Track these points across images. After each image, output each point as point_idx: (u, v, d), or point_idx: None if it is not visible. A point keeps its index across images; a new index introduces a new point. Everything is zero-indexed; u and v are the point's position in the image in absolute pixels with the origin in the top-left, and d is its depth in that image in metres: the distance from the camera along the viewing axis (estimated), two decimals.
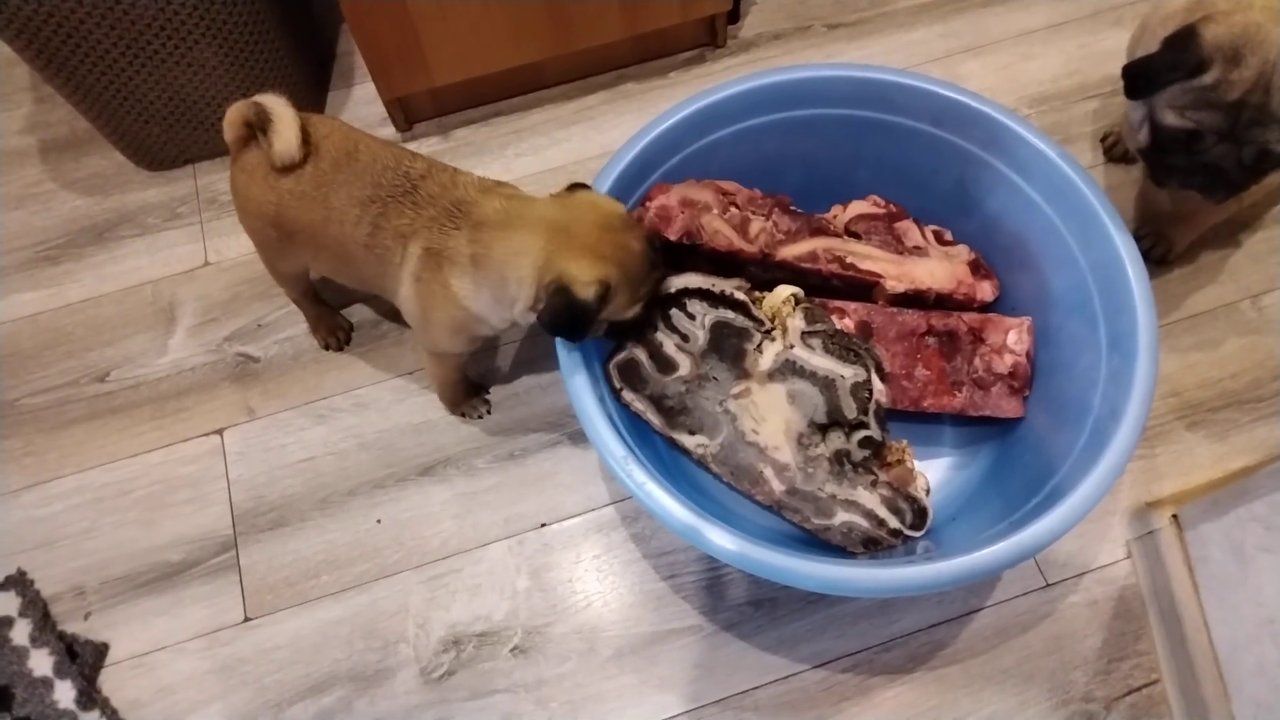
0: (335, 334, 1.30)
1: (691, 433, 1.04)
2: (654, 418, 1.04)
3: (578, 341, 0.96)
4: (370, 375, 1.30)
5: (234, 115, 0.99)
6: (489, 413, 1.26)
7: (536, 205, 0.96)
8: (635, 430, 1.04)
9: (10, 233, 1.44)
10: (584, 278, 0.89)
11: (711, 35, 1.51)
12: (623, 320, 0.99)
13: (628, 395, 1.04)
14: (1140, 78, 0.99)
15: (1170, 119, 0.99)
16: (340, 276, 1.11)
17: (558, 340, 1.00)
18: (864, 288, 1.13)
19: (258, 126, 0.97)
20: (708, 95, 1.13)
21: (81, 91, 1.28)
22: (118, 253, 1.41)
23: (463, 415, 1.26)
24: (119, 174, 1.47)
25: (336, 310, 1.32)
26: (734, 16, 1.52)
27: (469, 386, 1.25)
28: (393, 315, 1.33)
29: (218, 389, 1.30)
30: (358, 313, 1.34)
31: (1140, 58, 0.98)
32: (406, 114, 1.47)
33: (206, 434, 1.27)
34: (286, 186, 1.00)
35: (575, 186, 0.98)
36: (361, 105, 1.51)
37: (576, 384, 0.98)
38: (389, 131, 1.49)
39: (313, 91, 1.48)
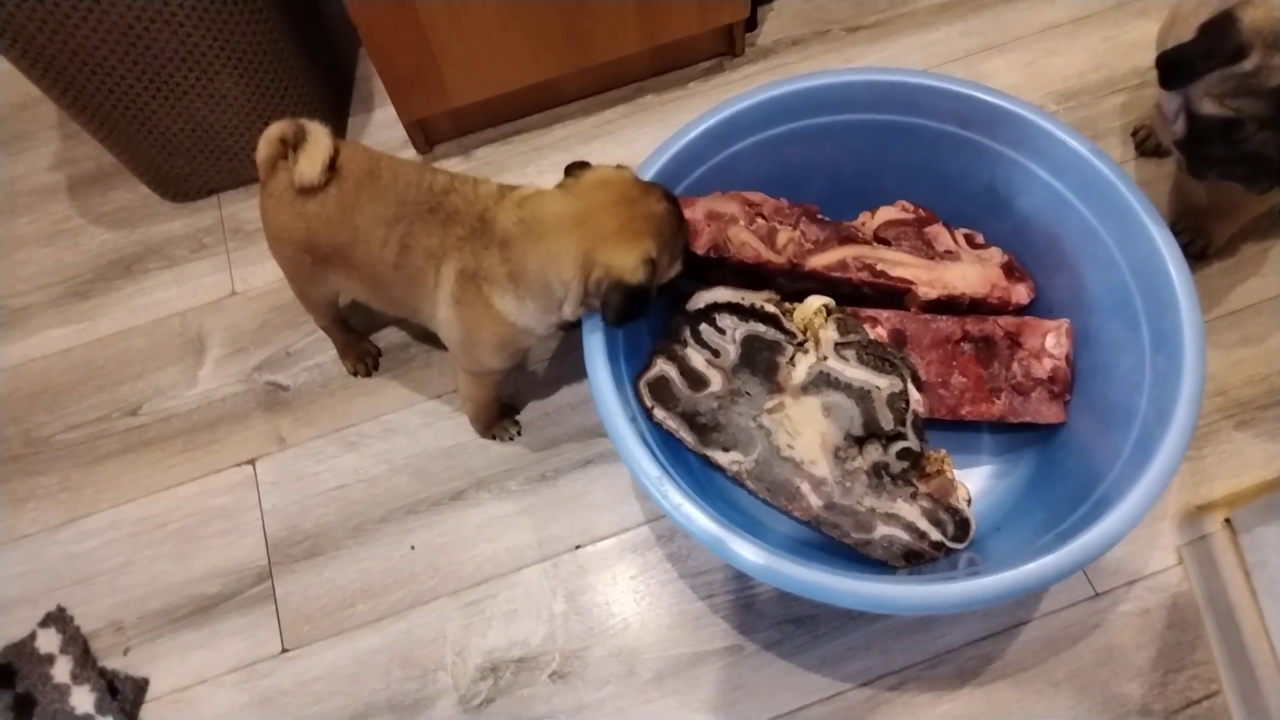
0: (364, 360, 1.30)
1: (725, 450, 1.02)
2: (686, 435, 1.03)
3: (634, 319, 0.95)
4: (399, 400, 1.29)
5: (272, 132, 0.99)
6: (519, 434, 1.25)
7: (550, 206, 0.94)
8: (668, 449, 1.03)
9: (42, 269, 1.45)
10: (630, 264, 0.89)
11: (729, 44, 1.49)
12: (668, 281, 0.98)
13: (659, 413, 1.03)
14: (1176, 66, 0.96)
15: (1208, 108, 0.96)
16: (373, 301, 1.11)
17: (587, 360, 0.99)
18: (896, 295, 1.11)
19: (291, 144, 0.98)
20: (727, 107, 1.12)
21: (105, 125, 1.29)
22: (146, 285, 1.42)
23: (494, 437, 1.25)
24: (144, 206, 1.49)
25: (364, 336, 1.32)
26: (751, 24, 1.51)
27: (501, 408, 1.24)
28: (421, 338, 1.33)
29: (248, 419, 1.30)
30: (385, 337, 1.34)
31: (1175, 46, 0.96)
32: (427, 135, 1.47)
33: (238, 464, 1.27)
34: (313, 211, 1.00)
35: (574, 168, 0.97)
36: (382, 129, 1.51)
37: (607, 404, 0.96)
38: (410, 153, 1.49)
39: (333, 116, 1.49)
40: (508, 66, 1.34)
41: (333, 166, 0.98)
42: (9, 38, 1.12)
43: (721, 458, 1.02)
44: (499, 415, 1.24)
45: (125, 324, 1.39)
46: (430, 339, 1.07)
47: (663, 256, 0.93)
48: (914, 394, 1.02)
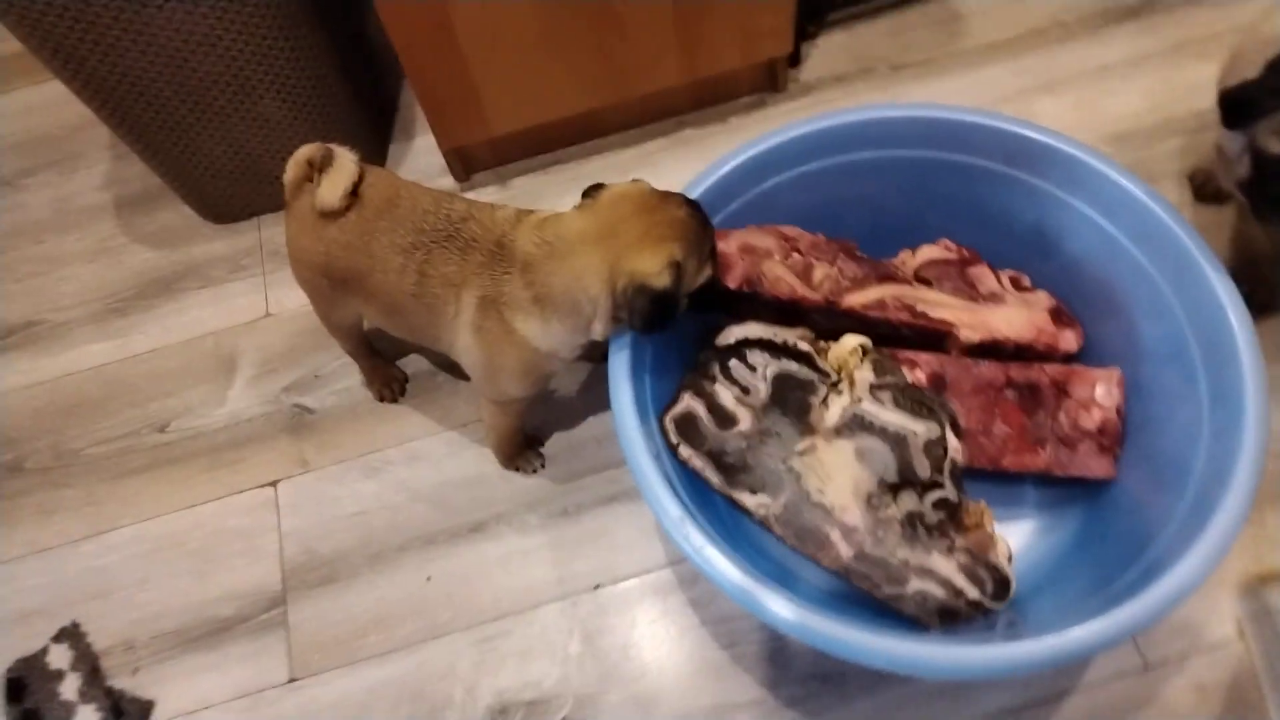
0: (390, 385, 1.29)
1: (753, 492, 0.98)
2: (712, 476, 0.99)
3: (666, 329, 0.93)
4: (424, 427, 1.27)
5: (300, 154, 1.00)
6: (543, 466, 1.22)
7: (571, 224, 0.93)
8: (693, 488, 0.99)
9: (85, 286, 1.48)
10: (654, 267, 0.88)
11: (772, 80, 1.48)
12: (698, 288, 0.95)
13: (685, 451, 0.99)
14: (1240, 104, 0.92)
15: (1276, 147, 0.91)
16: (392, 328, 1.10)
17: (612, 391, 0.96)
18: (936, 337, 1.07)
19: (317, 168, 0.98)
20: (767, 140, 1.09)
21: (149, 145, 1.31)
22: (183, 304, 1.43)
23: (517, 469, 1.22)
24: (187, 227, 1.50)
25: (391, 362, 1.31)
26: (794, 60, 1.49)
27: (524, 439, 1.22)
28: (448, 365, 1.32)
29: (273, 440, 1.29)
30: (413, 363, 1.33)
31: (1240, 83, 0.91)
32: (465, 164, 1.47)
33: (261, 486, 1.26)
34: (333, 235, 0.99)
35: (592, 190, 0.96)
36: (421, 156, 1.52)
37: (630, 438, 0.93)
38: (448, 181, 1.49)
39: (374, 143, 1.50)
40: (547, 96, 1.34)
41: (355, 193, 0.98)
42: (61, 59, 1.15)
43: (748, 500, 0.98)
44: (523, 446, 1.21)
45: (161, 341, 1.40)
46: (456, 367, 1.05)
47: (689, 260, 0.91)
48: (952, 441, 0.97)
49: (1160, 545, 0.87)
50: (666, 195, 0.93)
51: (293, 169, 1.00)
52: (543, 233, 0.93)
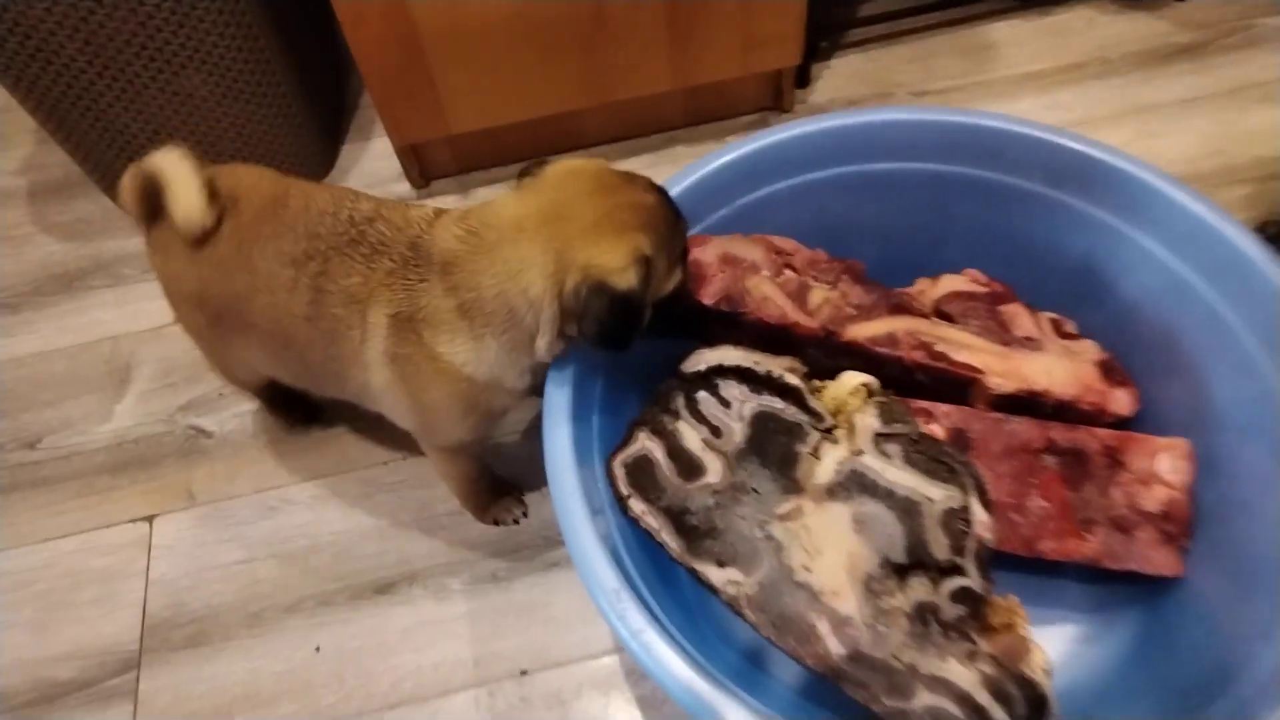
0: (296, 409, 1.08)
1: (720, 564, 0.77)
2: (670, 539, 0.78)
3: (629, 347, 0.73)
4: (338, 462, 1.07)
5: (128, 184, 0.80)
6: (525, 515, 1.01)
7: (504, 209, 0.74)
8: (647, 554, 0.78)
9: None
10: (615, 261, 0.69)
11: (776, 97, 1.31)
12: (665, 297, 0.76)
13: (637, 506, 0.78)
14: None
15: None
16: (287, 371, 0.89)
17: (545, 426, 0.76)
18: (958, 385, 0.87)
19: (149, 191, 0.79)
20: (763, 137, 0.92)
21: (60, 124, 1.14)
22: (84, 303, 1.24)
23: (496, 522, 1.01)
24: (104, 220, 1.33)
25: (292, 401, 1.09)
26: (803, 80, 1.33)
27: (495, 483, 1.01)
28: None
29: (159, 467, 1.08)
30: None
31: None
32: (423, 168, 1.29)
33: (134, 520, 1.05)
34: (204, 255, 0.80)
35: (531, 168, 0.76)
36: (376, 160, 1.35)
37: (563, 486, 0.73)
38: (403, 189, 1.31)
39: (323, 139, 1.33)
40: (517, 93, 1.17)
41: (216, 196, 0.79)
42: None
43: (715, 575, 0.77)
44: (494, 492, 1.00)
45: (50, 344, 1.20)
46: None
47: (659, 257, 0.72)
48: (979, 513, 0.76)
49: (1257, 675, 0.65)
50: (630, 176, 0.74)
51: (132, 205, 0.81)
52: (467, 223, 0.74)
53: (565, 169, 0.74)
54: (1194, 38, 1.34)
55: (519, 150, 1.30)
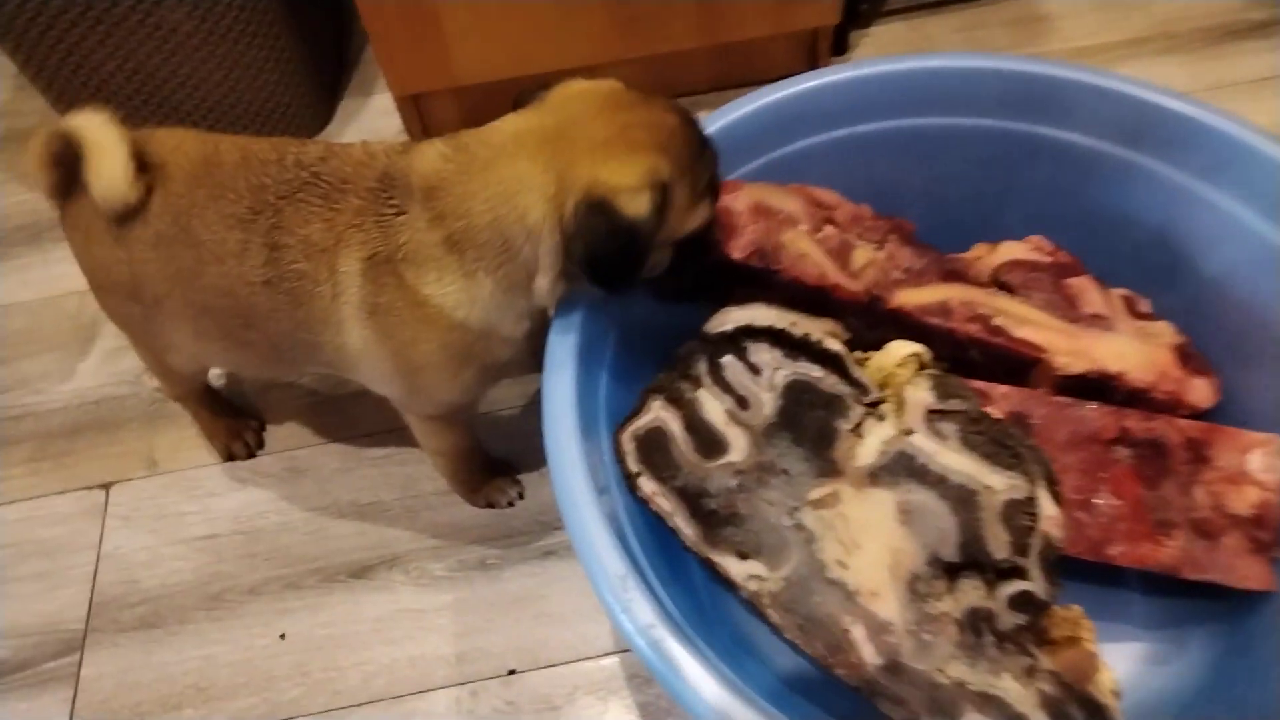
0: (240, 437, 0.96)
1: (742, 555, 0.67)
2: (685, 525, 0.68)
3: (627, 289, 0.64)
4: (315, 432, 0.97)
5: (38, 151, 0.70)
6: (521, 497, 0.91)
7: (502, 124, 0.64)
8: (656, 540, 0.68)
9: None
10: (626, 180, 0.59)
11: (811, 60, 1.22)
12: (683, 240, 0.65)
13: (647, 485, 0.68)
14: None
15: None
16: (248, 359, 0.79)
17: (545, 389, 0.66)
18: (1018, 364, 0.76)
19: (69, 164, 0.69)
20: (800, 82, 0.82)
21: (31, 60, 1.05)
22: (52, 256, 1.15)
23: (489, 504, 0.91)
24: None
25: (237, 409, 0.98)
26: (840, 46, 1.23)
27: (488, 461, 0.91)
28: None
29: (120, 431, 0.99)
30: None
31: None
32: (425, 124, 1.20)
33: (90, 487, 0.95)
34: (136, 234, 0.70)
35: (532, 92, 0.66)
36: (376, 116, 1.25)
37: (565, 460, 0.63)
38: None
39: (318, 89, 1.23)
40: (529, 43, 1.07)
41: (146, 167, 0.69)
42: None
43: (734, 567, 0.67)
44: (487, 471, 0.90)
45: (12, 297, 1.11)
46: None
47: (679, 185, 0.61)
48: (1047, 507, 0.65)
49: None
50: (649, 95, 0.65)
51: (41, 174, 0.71)
52: (454, 144, 0.64)
53: (573, 88, 0.65)
54: (1270, 14, 1.24)
55: None
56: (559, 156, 0.60)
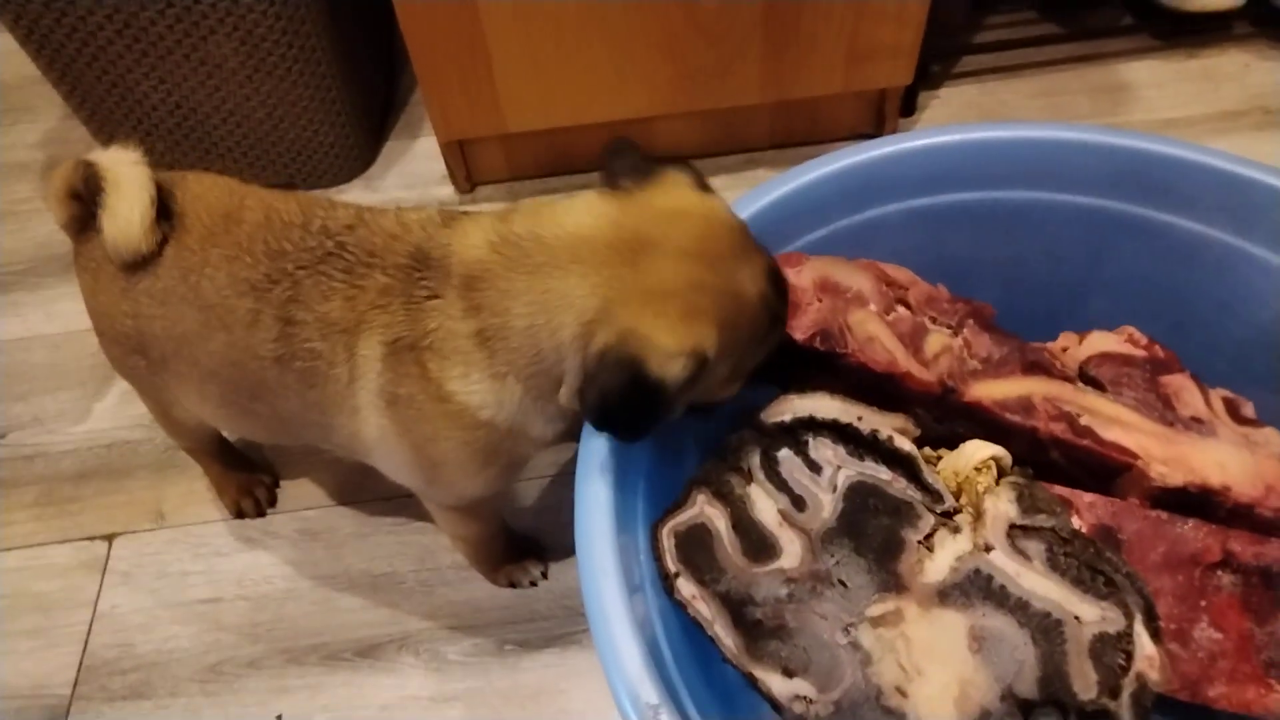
0: (251, 493, 0.91)
1: (788, 673, 0.60)
2: (725, 634, 0.61)
3: (636, 438, 0.57)
4: (330, 493, 0.92)
5: (56, 185, 0.66)
6: (545, 576, 0.85)
7: (570, 215, 0.57)
8: (691, 646, 0.61)
9: None
10: (668, 344, 0.52)
11: (877, 123, 1.16)
12: (711, 402, 0.61)
13: (687, 588, 0.61)
14: None
15: None
16: (254, 427, 0.74)
17: (579, 475, 0.59)
18: (1104, 471, 0.68)
19: (86, 193, 0.64)
20: (872, 149, 0.76)
21: (69, 81, 1.03)
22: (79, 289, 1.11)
23: (511, 584, 0.85)
24: None
25: (249, 463, 0.93)
26: (909, 107, 1.17)
27: (512, 540, 0.84)
28: None
29: (129, 479, 0.94)
30: None
31: None
32: (470, 171, 1.16)
33: (92, 538, 0.90)
34: (143, 286, 0.66)
35: (632, 159, 0.58)
36: (420, 160, 1.22)
37: (594, 554, 0.56)
38: (447, 192, 1.17)
39: (363, 130, 1.19)
40: (584, 92, 1.03)
41: (168, 214, 0.65)
42: None
43: (778, 685, 0.59)
44: (512, 552, 0.84)
45: (35, 330, 1.08)
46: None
47: (721, 363, 0.56)
48: (1145, 644, 0.57)
49: None
50: (751, 250, 0.57)
51: (59, 208, 0.67)
52: (510, 227, 0.58)
53: (678, 202, 0.57)
54: None
55: (577, 157, 1.16)
56: (612, 285, 0.54)
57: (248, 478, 0.91)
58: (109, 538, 0.90)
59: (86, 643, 0.83)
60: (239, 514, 0.90)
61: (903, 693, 0.58)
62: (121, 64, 0.99)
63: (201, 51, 0.98)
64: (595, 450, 0.60)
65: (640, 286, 0.54)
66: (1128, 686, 0.57)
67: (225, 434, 0.87)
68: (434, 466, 0.65)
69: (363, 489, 0.91)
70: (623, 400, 0.53)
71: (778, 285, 0.58)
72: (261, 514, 0.91)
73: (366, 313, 0.60)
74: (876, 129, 1.16)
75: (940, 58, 1.20)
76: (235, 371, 0.65)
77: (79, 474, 0.95)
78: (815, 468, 0.62)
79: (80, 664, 0.82)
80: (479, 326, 0.57)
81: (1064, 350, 0.73)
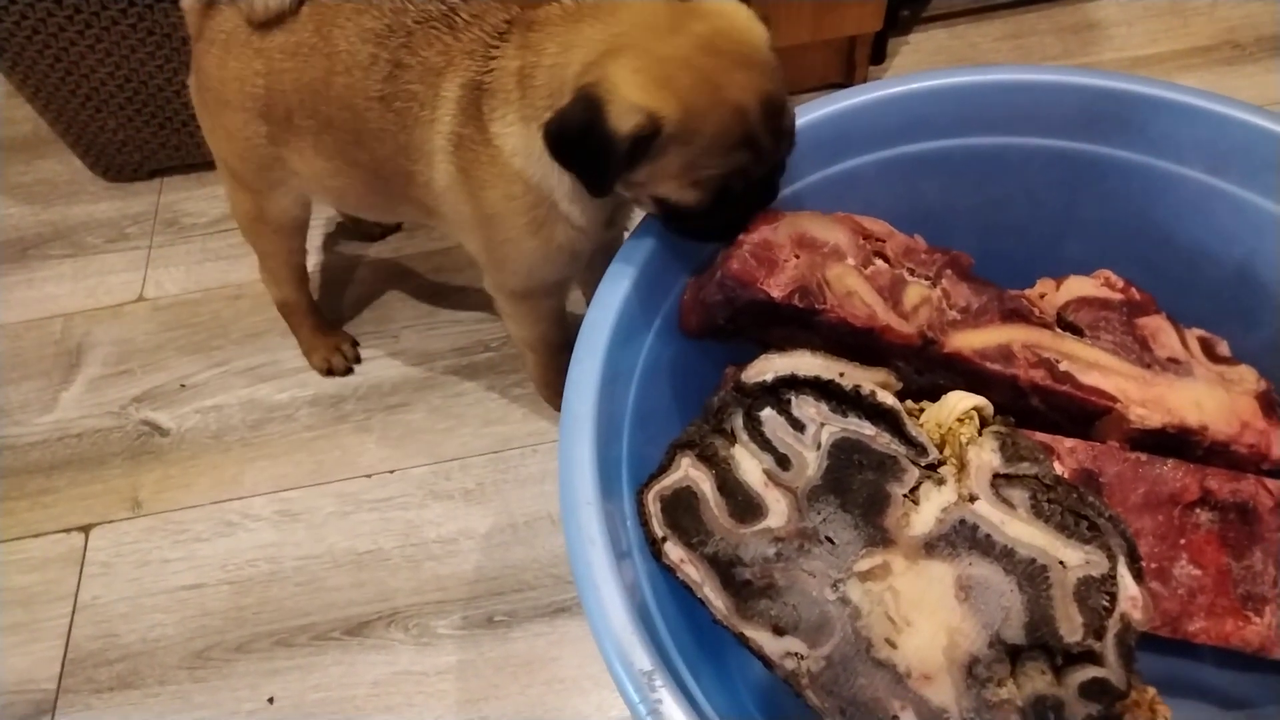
0: (340, 349, 0.97)
1: (778, 631, 0.60)
2: (715, 596, 0.61)
3: (594, 191, 0.64)
4: (311, 471, 0.90)
5: None
6: None
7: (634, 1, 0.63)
8: (681, 609, 0.61)
9: None
10: (630, 96, 0.59)
11: (847, 71, 1.14)
12: (678, 206, 0.64)
13: (674, 552, 0.61)
14: None
15: None
16: (350, 184, 0.79)
17: (562, 437, 0.59)
18: (1084, 415, 0.69)
19: None
20: (844, 99, 0.74)
21: (24, 74, 1.00)
22: (39, 275, 1.08)
23: None
24: (72, 183, 1.18)
25: (337, 324, 1.00)
26: (879, 54, 1.15)
27: None
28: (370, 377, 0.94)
29: (103, 467, 0.92)
30: (315, 383, 0.96)
31: None
32: None
33: (68, 530, 0.89)
34: (277, 42, 0.73)
35: None
36: None
37: (580, 520, 0.56)
38: None
39: None
40: None
41: None
42: None
43: (770, 644, 0.59)
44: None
45: None
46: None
47: (675, 146, 0.60)
48: (1128, 586, 0.57)
49: None
50: (765, 74, 0.61)
51: None
52: None
53: (720, 9, 0.62)
54: None
55: None
56: (619, 39, 0.60)
57: (335, 336, 0.97)
58: (85, 529, 0.88)
59: (69, 635, 0.82)
60: (328, 371, 0.97)
61: (892, 644, 0.58)
62: (68, 42, 0.96)
63: (150, 23, 0.95)
64: (578, 419, 0.60)
65: (638, 46, 0.60)
66: (1112, 627, 0.57)
67: (330, 204, 0.91)
68: (489, 222, 0.72)
69: (343, 465, 0.90)
70: (578, 134, 0.59)
71: (769, 114, 0.61)
72: (349, 371, 0.98)
73: (456, 57, 0.69)
74: (846, 78, 1.14)
75: (910, 2, 1.18)
76: (348, 115, 0.73)
77: (50, 465, 0.93)
78: (798, 426, 0.61)
79: (64, 657, 0.81)
80: (521, 64, 0.65)
81: (1042, 297, 0.73)
